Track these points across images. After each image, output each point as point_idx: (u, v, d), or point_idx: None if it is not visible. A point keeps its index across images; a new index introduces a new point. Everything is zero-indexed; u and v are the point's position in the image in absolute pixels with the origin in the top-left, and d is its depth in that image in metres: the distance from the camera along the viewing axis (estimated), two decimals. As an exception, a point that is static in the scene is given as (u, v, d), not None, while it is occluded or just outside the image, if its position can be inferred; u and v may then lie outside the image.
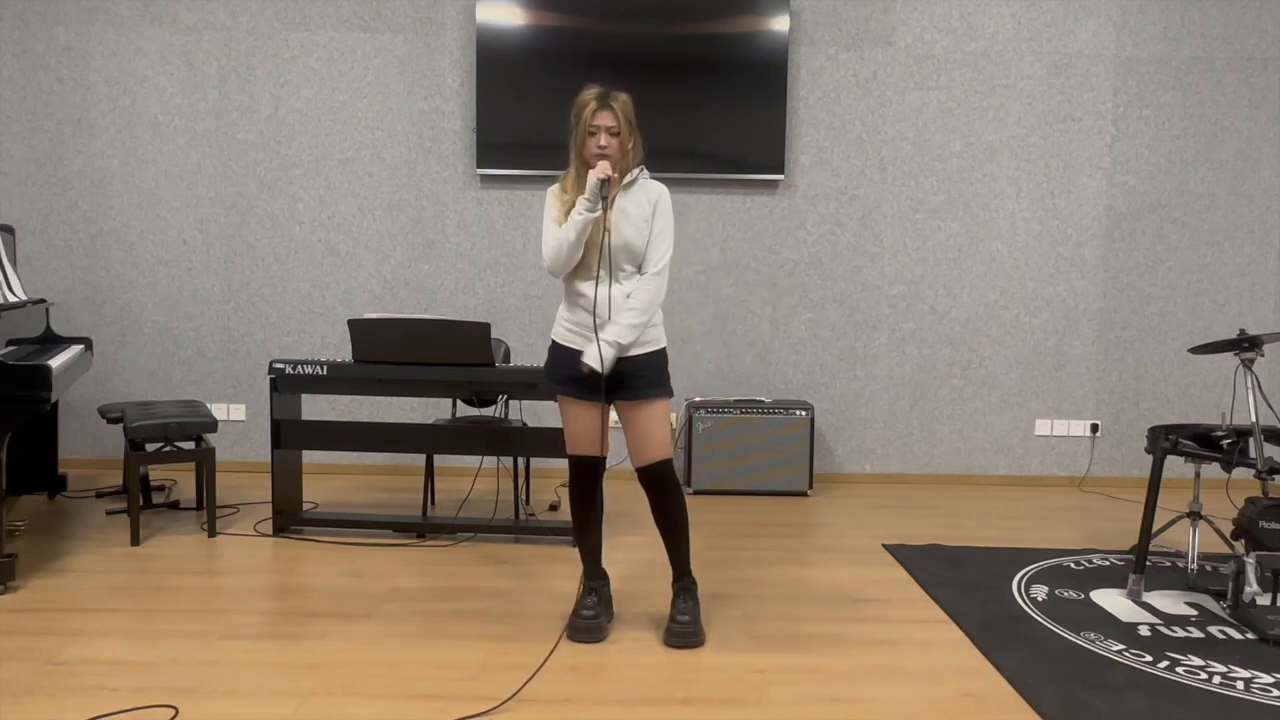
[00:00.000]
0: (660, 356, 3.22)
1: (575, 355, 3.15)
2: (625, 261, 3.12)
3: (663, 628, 3.26)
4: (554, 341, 3.24)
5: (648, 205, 3.16)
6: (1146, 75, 5.50)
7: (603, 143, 3.07)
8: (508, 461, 4.86)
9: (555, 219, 3.15)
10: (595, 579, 3.35)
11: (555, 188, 3.21)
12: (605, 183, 3.04)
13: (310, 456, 4.99)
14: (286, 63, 5.41)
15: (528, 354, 5.46)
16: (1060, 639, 3.30)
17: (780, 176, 5.45)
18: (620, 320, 3.10)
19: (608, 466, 3.38)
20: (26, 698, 2.75)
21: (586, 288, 3.13)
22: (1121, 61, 5.50)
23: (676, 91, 5.36)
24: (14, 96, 5.37)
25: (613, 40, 5.32)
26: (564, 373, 3.19)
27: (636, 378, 3.15)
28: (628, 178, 3.16)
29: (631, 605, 3.49)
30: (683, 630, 3.19)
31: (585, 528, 3.33)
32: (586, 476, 3.29)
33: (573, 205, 3.10)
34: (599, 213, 3.05)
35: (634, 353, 3.14)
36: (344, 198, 5.48)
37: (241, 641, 3.18)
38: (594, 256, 3.11)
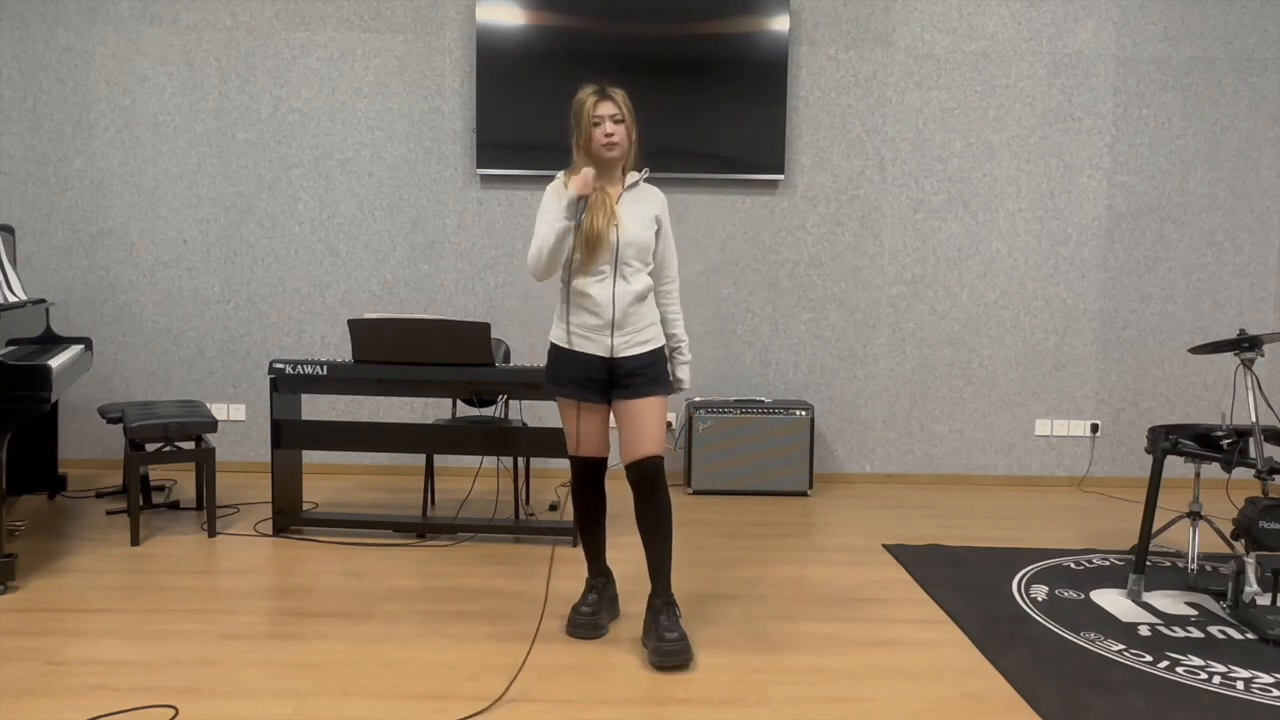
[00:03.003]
0: (660, 354, 3.20)
1: (578, 358, 3.12)
2: (632, 258, 3.09)
3: (647, 647, 3.08)
4: (553, 345, 3.19)
5: (653, 205, 3.18)
6: (1146, 75, 5.50)
7: (609, 130, 3.05)
8: (508, 461, 4.87)
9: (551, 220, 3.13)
10: (597, 576, 3.36)
11: (557, 182, 3.14)
12: (584, 199, 3.00)
13: (310, 456, 4.99)
14: (286, 63, 5.41)
15: (528, 354, 5.45)
16: (1060, 639, 3.30)
17: (780, 176, 5.45)
18: (676, 333, 3.28)
19: (608, 466, 3.36)
20: (26, 698, 2.74)
21: (592, 287, 3.08)
22: (1121, 61, 5.50)
23: (676, 92, 5.36)
24: (14, 96, 5.37)
25: (613, 40, 5.32)
26: (566, 376, 3.16)
27: (638, 375, 3.12)
28: (633, 178, 3.16)
29: (634, 605, 3.49)
30: (674, 649, 2.99)
31: (588, 526, 3.33)
32: (590, 476, 3.27)
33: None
34: (573, 224, 3.00)
35: (635, 351, 3.12)
36: (344, 198, 5.48)
37: (241, 641, 3.18)
38: (603, 253, 3.07)
